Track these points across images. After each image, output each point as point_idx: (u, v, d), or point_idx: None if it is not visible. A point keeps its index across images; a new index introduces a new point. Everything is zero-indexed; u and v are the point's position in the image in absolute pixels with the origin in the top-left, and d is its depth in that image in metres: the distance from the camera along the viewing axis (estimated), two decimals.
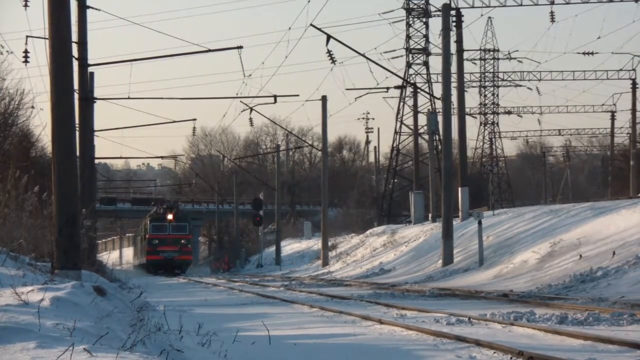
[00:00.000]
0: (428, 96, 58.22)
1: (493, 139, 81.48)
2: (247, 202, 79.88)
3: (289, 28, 71.71)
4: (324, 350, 11.37)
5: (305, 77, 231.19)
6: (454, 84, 43.73)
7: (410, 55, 61.84)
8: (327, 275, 42.98)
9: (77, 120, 23.98)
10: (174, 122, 74.82)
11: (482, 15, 64.18)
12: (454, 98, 44.29)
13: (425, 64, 62.23)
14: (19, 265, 13.72)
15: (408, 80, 58.74)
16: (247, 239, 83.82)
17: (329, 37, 35.14)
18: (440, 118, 39.23)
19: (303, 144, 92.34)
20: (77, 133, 21.36)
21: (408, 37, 61.73)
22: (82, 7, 31.45)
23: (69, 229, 14.43)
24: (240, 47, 32.93)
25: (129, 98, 37.20)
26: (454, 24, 43.05)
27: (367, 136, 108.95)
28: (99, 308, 9.15)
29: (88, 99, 32.55)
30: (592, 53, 61.05)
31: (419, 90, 55.97)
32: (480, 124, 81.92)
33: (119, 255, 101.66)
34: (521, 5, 50.95)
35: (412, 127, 57.82)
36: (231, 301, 23.24)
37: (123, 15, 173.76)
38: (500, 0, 51.78)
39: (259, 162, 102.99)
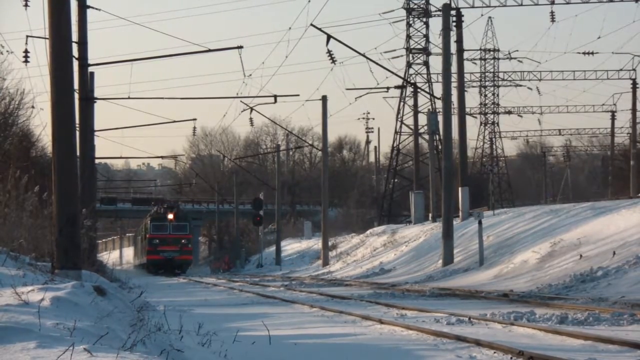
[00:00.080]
0: (428, 96, 58.25)
1: (493, 139, 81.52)
2: (247, 202, 79.87)
3: (289, 28, 71.85)
4: (324, 350, 11.37)
5: (305, 77, 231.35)
6: (454, 84, 43.75)
7: (411, 55, 61.83)
8: (327, 275, 42.97)
9: (77, 120, 23.97)
10: (174, 122, 74.79)
11: (482, 15, 64.04)
12: (454, 98, 44.37)
13: (426, 63, 62.22)
14: (19, 265, 13.72)
15: (408, 80, 58.74)
16: (247, 239, 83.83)
17: (329, 37, 35.15)
18: (440, 118, 39.23)
19: (303, 144, 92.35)
20: (77, 133, 21.36)
21: (408, 37, 61.72)
22: (82, 7, 31.44)
23: (69, 229, 14.42)
24: (240, 47, 32.93)
25: (129, 98, 37.23)
26: (454, 23, 43.07)
27: (367, 136, 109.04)
28: (99, 308, 9.15)
29: (88, 99, 32.55)
30: (592, 53, 61.08)
31: (419, 90, 56.01)
32: (481, 123, 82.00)
33: (119, 255, 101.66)
34: (521, 5, 50.96)
35: (412, 127, 57.82)
36: (231, 301, 23.24)
37: (123, 15, 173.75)
38: (500, 0, 51.81)
39: (259, 162, 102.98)
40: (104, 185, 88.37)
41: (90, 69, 32.84)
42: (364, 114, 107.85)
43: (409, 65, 61.74)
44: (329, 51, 35.90)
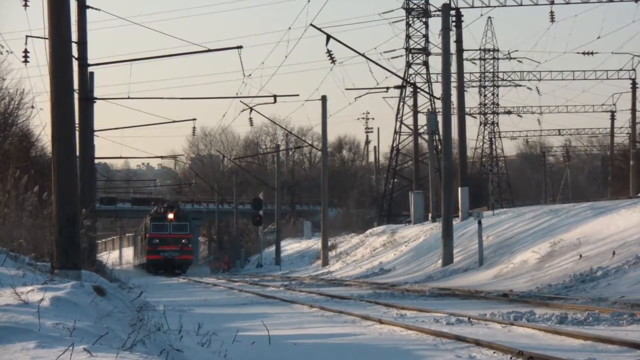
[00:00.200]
0: (428, 96, 58.25)
1: (493, 139, 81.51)
2: (247, 202, 79.86)
3: (289, 28, 71.86)
4: (324, 350, 11.38)
5: (305, 77, 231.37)
6: (453, 84, 43.76)
7: (410, 55, 61.85)
8: (327, 275, 42.97)
9: (77, 120, 23.98)
10: (174, 122, 74.94)
11: (482, 15, 64.04)
12: (454, 98, 44.32)
13: (425, 63, 62.24)
14: (19, 265, 13.72)
15: (408, 80, 58.75)
16: (247, 239, 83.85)
17: (328, 37, 35.15)
18: (440, 118, 39.24)
19: (303, 144, 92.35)
20: (77, 133, 21.37)
21: (408, 37, 61.73)
22: (82, 7, 31.45)
23: (69, 229, 14.43)
24: (240, 47, 32.95)
25: (129, 98, 37.26)
26: (453, 24, 43.03)
27: (367, 136, 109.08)
28: (99, 308, 9.15)
29: (88, 99, 32.56)
30: (592, 53, 61.05)
31: (418, 90, 56.01)
32: (480, 124, 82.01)
33: (119, 255, 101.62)
34: (521, 5, 50.98)
35: (412, 127, 57.82)
36: (231, 301, 23.25)
37: (123, 15, 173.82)
38: (500, 0, 51.81)
39: (259, 162, 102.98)
40: (103, 185, 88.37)
41: (90, 69, 32.86)
42: (363, 114, 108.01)
43: (408, 65, 61.75)
44: (328, 51, 35.95)
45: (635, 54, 66.60)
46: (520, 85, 75.01)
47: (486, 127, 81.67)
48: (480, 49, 78.87)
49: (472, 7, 52.65)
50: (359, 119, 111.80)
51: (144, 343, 7.87)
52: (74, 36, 25.56)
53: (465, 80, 54.69)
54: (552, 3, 50.12)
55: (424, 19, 61.85)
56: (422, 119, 55.93)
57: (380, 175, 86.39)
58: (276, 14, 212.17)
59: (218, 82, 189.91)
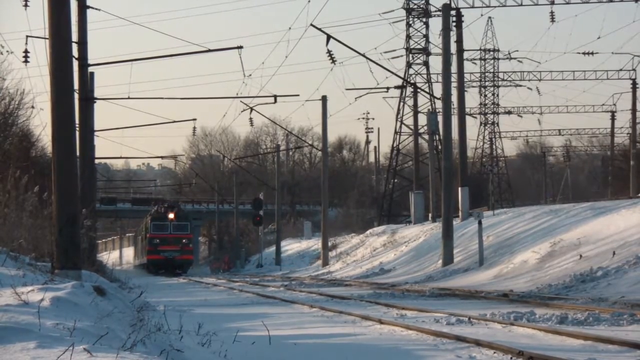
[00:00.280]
0: (428, 96, 58.23)
1: (493, 139, 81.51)
2: (247, 202, 79.87)
3: (289, 28, 71.91)
4: (324, 350, 11.37)
5: (305, 77, 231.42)
6: (454, 84, 43.73)
7: (410, 55, 61.81)
8: (327, 275, 42.97)
9: (77, 120, 23.97)
10: (174, 122, 74.98)
11: (482, 15, 64.16)
12: (454, 98, 44.34)
13: (425, 64, 62.21)
14: (19, 265, 13.72)
15: (408, 80, 58.73)
16: (247, 239, 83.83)
17: (329, 37, 35.14)
18: (440, 118, 39.23)
19: (303, 144, 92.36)
20: (77, 133, 21.35)
21: (408, 37, 61.70)
22: (82, 7, 31.44)
23: (69, 229, 14.42)
24: (240, 47, 32.92)
25: (129, 98, 37.23)
26: (454, 24, 43.03)
27: (367, 136, 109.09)
28: (99, 308, 9.15)
29: (88, 99, 32.55)
30: (592, 53, 61.09)
31: (419, 90, 55.98)
32: (480, 124, 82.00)
33: (119, 255, 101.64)
34: (521, 5, 50.98)
35: (412, 127, 57.81)
36: (231, 301, 23.25)
37: (123, 15, 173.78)
38: (500, 0, 51.81)
39: (259, 162, 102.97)
40: (103, 185, 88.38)
41: (90, 69, 32.84)
42: (363, 114, 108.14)
43: (408, 65, 61.73)
44: (328, 51, 35.93)
45: (635, 54, 66.72)
46: (520, 86, 75.10)
47: (486, 127, 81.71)
48: (480, 49, 78.93)
49: (473, 7, 52.68)
50: (359, 119, 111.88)
51: (144, 343, 7.87)
52: (74, 36, 25.54)
53: (465, 80, 54.68)
54: (552, 3, 50.14)
55: (424, 19, 61.84)
56: (423, 119, 56.01)
57: (380, 175, 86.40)
58: (276, 14, 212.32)
59: (218, 82, 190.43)
